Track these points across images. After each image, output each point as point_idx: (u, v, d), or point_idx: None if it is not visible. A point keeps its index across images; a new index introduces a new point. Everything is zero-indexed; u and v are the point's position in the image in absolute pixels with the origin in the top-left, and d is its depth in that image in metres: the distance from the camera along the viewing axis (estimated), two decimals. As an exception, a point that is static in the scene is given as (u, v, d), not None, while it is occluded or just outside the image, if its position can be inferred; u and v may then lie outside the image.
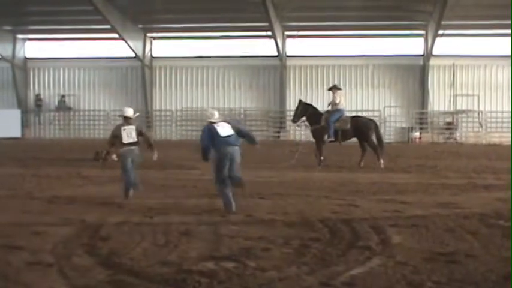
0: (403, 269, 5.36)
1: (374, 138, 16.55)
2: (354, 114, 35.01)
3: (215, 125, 9.21)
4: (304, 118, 17.29)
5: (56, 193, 10.36)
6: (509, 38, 29.41)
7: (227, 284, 4.90)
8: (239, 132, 9.42)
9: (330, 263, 5.58)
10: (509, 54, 29.61)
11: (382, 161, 16.15)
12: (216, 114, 9.59)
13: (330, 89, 17.53)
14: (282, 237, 6.67)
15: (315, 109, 17.25)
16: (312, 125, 16.91)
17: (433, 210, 8.69)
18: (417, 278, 5.09)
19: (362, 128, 16.61)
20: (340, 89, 17.43)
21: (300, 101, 17.86)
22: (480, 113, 33.80)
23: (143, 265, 5.43)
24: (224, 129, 9.16)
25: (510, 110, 32.35)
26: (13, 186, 11.49)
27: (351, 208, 8.84)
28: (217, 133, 9.03)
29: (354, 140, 16.92)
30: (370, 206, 9.11)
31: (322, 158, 16.52)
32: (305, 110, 17.20)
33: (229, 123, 9.55)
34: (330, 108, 17.11)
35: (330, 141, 16.74)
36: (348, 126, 16.56)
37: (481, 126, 33.74)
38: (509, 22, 27.56)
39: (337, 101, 16.84)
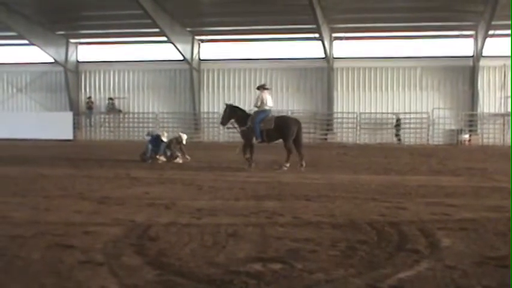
0: (452, 273, 5.26)
1: (291, 139, 16.12)
2: (401, 116, 34.59)
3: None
4: (233, 120, 17.20)
5: (106, 194, 10.53)
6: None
7: (274, 286, 4.90)
8: None
9: (377, 265, 5.52)
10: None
11: (304, 163, 15.84)
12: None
13: (258, 88, 17.13)
14: (329, 239, 6.64)
15: (243, 111, 17.12)
16: (240, 126, 16.83)
17: (482, 213, 8.49)
18: (466, 283, 4.99)
19: (281, 128, 16.18)
20: (267, 88, 16.99)
21: (227, 104, 17.63)
22: (532, 115, 33.00)
23: (191, 266, 5.47)
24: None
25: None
26: (65, 186, 11.74)
27: (399, 211, 8.72)
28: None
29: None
30: (418, 208, 8.97)
31: (249, 157, 16.37)
32: (233, 112, 17.11)
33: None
34: (256, 108, 16.79)
35: (259, 142, 16.52)
36: (272, 126, 16.24)
37: (533, 128, 32.93)
38: None
39: (258, 103, 16.53)
